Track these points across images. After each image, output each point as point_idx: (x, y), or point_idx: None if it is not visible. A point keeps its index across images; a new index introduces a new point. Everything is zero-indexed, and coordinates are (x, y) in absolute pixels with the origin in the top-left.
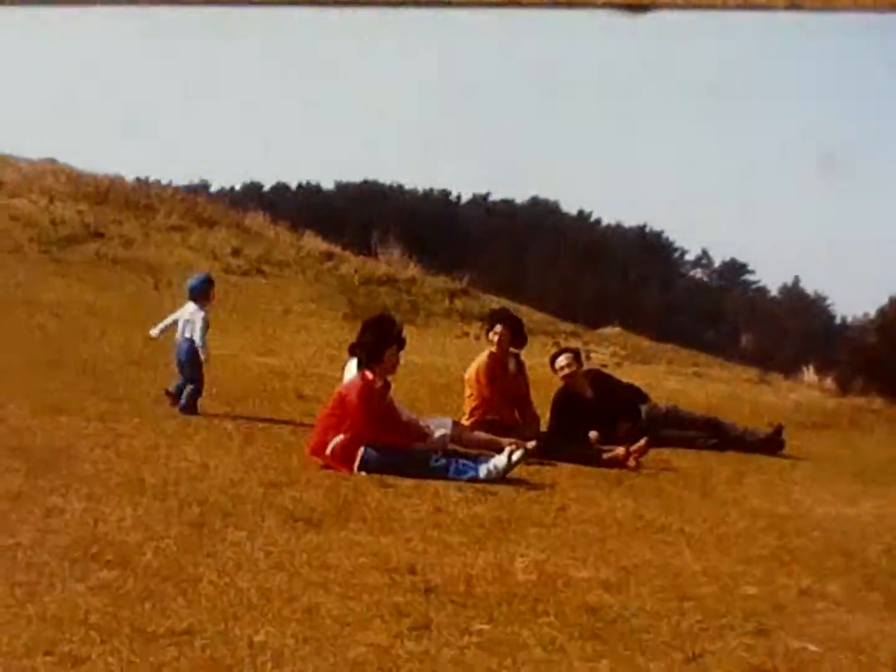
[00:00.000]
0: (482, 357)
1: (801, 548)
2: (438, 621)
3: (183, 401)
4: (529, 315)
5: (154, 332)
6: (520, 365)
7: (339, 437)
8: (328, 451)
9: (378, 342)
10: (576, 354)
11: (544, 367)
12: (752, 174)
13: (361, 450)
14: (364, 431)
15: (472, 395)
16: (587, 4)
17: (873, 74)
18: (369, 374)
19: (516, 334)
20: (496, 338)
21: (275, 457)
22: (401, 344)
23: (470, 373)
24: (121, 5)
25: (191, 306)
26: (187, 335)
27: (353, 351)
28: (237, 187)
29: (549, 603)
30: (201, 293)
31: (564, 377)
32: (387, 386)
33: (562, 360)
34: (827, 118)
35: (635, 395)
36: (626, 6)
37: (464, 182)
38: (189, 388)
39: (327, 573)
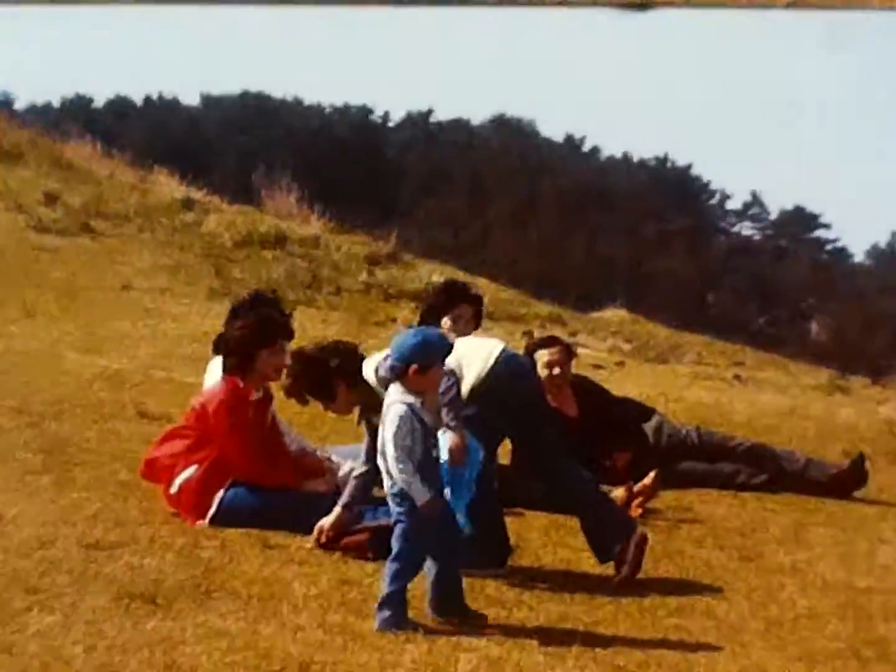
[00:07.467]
0: None
1: (891, 639)
2: None
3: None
4: (492, 292)
5: None
6: None
7: (192, 470)
8: (174, 488)
9: (253, 335)
10: (566, 347)
11: None
12: None
13: (221, 491)
14: (229, 463)
15: None
16: None
17: None
18: (240, 382)
19: (478, 318)
20: (456, 321)
21: (104, 504)
22: (287, 336)
23: None
24: None
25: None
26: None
27: (217, 347)
28: (55, 103)
29: None
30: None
31: (550, 381)
32: (267, 398)
33: (547, 355)
34: None
35: (637, 413)
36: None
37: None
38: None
39: None
